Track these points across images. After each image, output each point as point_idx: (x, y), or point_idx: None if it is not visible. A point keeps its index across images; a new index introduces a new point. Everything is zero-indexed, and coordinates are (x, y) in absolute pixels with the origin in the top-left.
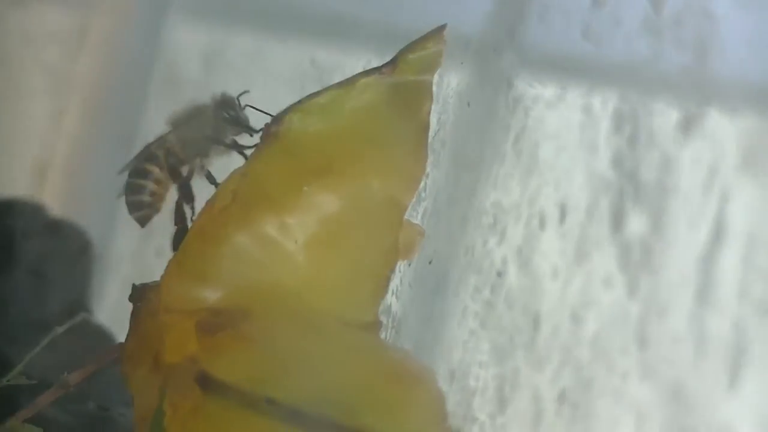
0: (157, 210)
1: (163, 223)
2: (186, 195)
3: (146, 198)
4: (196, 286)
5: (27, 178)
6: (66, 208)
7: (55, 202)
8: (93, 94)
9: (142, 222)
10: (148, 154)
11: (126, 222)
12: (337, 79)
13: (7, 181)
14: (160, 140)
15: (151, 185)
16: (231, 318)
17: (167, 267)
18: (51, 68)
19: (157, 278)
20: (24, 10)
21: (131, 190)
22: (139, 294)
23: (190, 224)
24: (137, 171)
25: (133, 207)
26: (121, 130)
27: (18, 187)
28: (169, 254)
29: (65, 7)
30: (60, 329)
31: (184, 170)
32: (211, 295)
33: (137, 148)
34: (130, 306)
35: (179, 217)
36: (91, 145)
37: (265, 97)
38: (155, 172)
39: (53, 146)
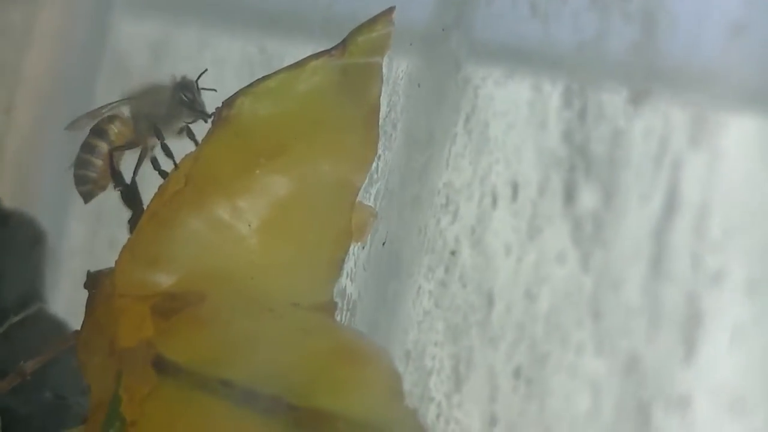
0: (102, 187)
1: (116, 213)
2: (121, 182)
3: (92, 174)
4: (149, 270)
5: None
6: (18, 200)
7: (6, 195)
8: (42, 87)
9: (86, 197)
10: (98, 129)
11: (78, 214)
12: (286, 65)
13: None
14: (112, 110)
15: (97, 162)
16: (185, 301)
17: (121, 252)
18: None
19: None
20: None
21: (78, 164)
22: (94, 281)
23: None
24: (86, 145)
25: (79, 181)
26: None
27: None
28: (122, 244)
29: (11, 1)
30: (15, 318)
31: (139, 149)
32: (165, 279)
33: None
34: (84, 297)
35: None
36: (42, 137)
37: (215, 85)
38: (103, 149)
39: (4, 140)
